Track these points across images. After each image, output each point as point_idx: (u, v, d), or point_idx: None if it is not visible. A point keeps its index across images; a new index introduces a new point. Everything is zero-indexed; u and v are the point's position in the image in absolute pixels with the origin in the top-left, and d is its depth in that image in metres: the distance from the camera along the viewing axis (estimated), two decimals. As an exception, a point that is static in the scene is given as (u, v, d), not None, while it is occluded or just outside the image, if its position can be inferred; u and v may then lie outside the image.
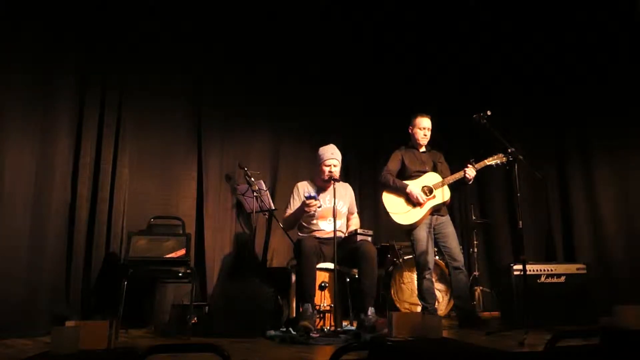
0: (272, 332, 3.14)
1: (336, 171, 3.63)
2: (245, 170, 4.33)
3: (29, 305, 3.29)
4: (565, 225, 4.79)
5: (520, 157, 3.35)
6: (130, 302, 3.36)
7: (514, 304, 3.58)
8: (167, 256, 3.49)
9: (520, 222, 3.32)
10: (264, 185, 4.42)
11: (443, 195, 3.74)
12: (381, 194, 3.83)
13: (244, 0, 4.79)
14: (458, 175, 3.70)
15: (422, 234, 3.70)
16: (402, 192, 3.73)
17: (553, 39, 4.84)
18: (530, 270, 3.57)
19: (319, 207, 3.58)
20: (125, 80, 4.13)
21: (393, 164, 3.88)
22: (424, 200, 3.67)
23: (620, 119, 4.50)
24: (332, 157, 3.64)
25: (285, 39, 5.03)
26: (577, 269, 3.79)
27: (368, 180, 5.51)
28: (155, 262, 3.47)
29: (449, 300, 4.31)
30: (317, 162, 3.72)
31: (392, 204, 3.75)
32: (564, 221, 4.81)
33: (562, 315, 3.55)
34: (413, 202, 3.70)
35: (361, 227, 3.90)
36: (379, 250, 3.94)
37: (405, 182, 3.76)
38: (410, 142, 3.98)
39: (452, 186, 3.77)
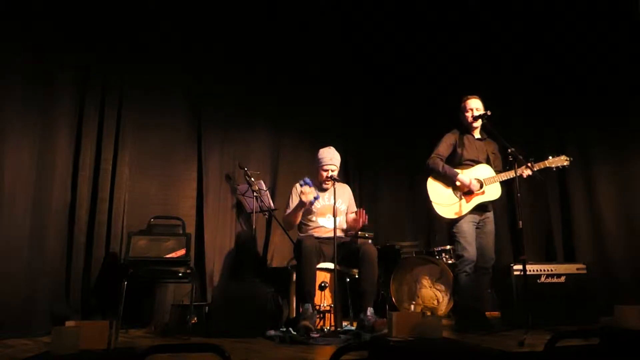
0: (272, 332, 3.13)
1: (334, 175, 3.62)
2: (245, 170, 4.33)
3: (29, 305, 3.29)
4: (565, 225, 4.79)
5: (521, 157, 3.34)
6: (130, 302, 3.36)
7: (514, 304, 3.58)
8: (167, 256, 3.49)
9: (520, 222, 3.30)
10: (264, 185, 4.42)
11: (494, 192, 3.53)
12: (426, 179, 3.61)
13: (245, 0, 4.79)
14: (512, 173, 3.40)
15: (467, 227, 3.50)
16: (450, 181, 3.52)
17: (553, 38, 4.84)
18: (530, 270, 3.56)
19: (315, 197, 3.53)
20: (125, 80, 4.13)
21: (444, 148, 3.61)
22: (477, 190, 3.47)
23: (620, 119, 4.50)
24: (330, 162, 3.64)
25: (286, 39, 5.03)
26: (577, 269, 3.79)
27: (368, 181, 5.52)
28: (155, 262, 3.47)
29: (449, 300, 4.31)
30: (316, 165, 3.72)
31: (437, 193, 3.56)
32: (564, 221, 4.81)
33: (562, 315, 3.54)
34: (461, 193, 3.52)
35: (364, 229, 3.89)
36: (379, 251, 3.92)
37: (457, 170, 3.54)
38: (463, 127, 3.70)
39: (503, 183, 3.56)
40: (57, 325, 2.23)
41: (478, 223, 3.58)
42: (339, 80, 5.38)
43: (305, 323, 3.08)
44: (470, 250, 3.47)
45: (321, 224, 3.67)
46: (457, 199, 3.53)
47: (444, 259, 4.38)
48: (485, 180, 3.53)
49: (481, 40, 5.26)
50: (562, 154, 3.52)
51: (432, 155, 3.62)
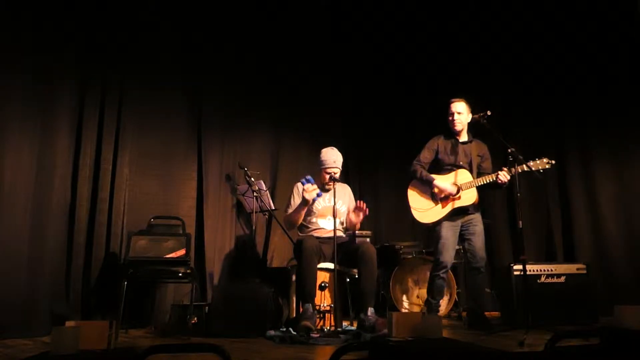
0: (272, 332, 3.14)
1: (335, 176, 3.62)
2: (245, 170, 4.33)
3: (29, 305, 3.28)
4: (565, 225, 4.80)
5: (521, 157, 3.35)
6: (130, 302, 3.36)
7: (514, 304, 3.58)
8: (167, 256, 3.49)
9: (520, 222, 3.31)
10: (264, 185, 4.42)
11: (470, 196, 3.58)
12: (407, 187, 3.74)
13: (245, 0, 4.79)
14: (489, 178, 3.53)
15: (446, 232, 3.59)
16: (428, 186, 3.63)
17: (553, 39, 4.84)
18: (530, 270, 3.56)
19: (318, 194, 3.52)
20: (125, 80, 4.13)
21: (426, 154, 3.74)
22: (453, 195, 3.55)
23: (620, 119, 4.51)
24: (334, 165, 3.63)
25: (286, 39, 5.03)
26: (577, 269, 3.79)
27: (368, 181, 5.52)
28: (155, 262, 3.47)
29: (449, 300, 4.31)
30: (319, 166, 3.70)
31: (416, 199, 3.68)
32: (564, 221, 4.81)
33: (562, 315, 3.55)
34: (437, 199, 3.61)
35: (361, 227, 3.89)
36: (379, 250, 3.93)
37: (434, 175, 3.65)
38: (448, 131, 3.78)
39: (484, 187, 3.60)
40: (57, 325, 2.23)
41: (462, 227, 3.65)
42: (339, 80, 5.38)
43: (305, 323, 3.08)
44: (445, 256, 3.58)
45: (321, 225, 3.66)
46: (434, 204, 3.64)
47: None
48: (462, 185, 3.60)
49: (482, 40, 5.26)
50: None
51: (414, 161, 3.75)
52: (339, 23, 5.32)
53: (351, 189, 4.00)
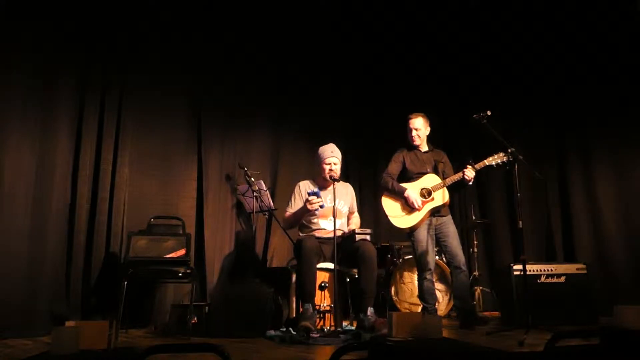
0: (272, 332, 3.13)
1: (336, 169, 3.62)
2: (245, 170, 4.33)
3: (29, 305, 3.29)
4: (565, 225, 4.80)
5: (520, 157, 3.35)
6: (130, 302, 3.36)
7: (514, 304, 3.58)
8: (167, 256, 3.49)
9: (520, 222, 3.31)
10: (264, 185, 4.42)
11: (442, 197, 3.73)
12: (381, 197, 3.85)
13: (244, 1, 4.79)
14: (457, 176, 3.69)
15: (422, 234, 3.71)
16: (400, 195, 3.75)
17: (553, 39, 4.85)
18: (530, 270, 3.56)
19: (320, 206, 3.53)
20: (125, 80, 4.13)
21: (394, 167, 3.89)
22: (419, 206, 3.69)
23: (620, 119, 4.51)
24: (332, 155, 3.64)
25: (286, 39, 5.03)
26: (577, 269, 3.79)
27: (368, 181, 5.52)
28: (155, 262, 3.46)
29: (449, 300, 4.32)
30: (318, 161, 3.71)
31: (391, 207, 3.78)
32: (564, 221, 4.81)
33: (562, 315, 3.55)
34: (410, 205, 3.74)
35: (361, 227, 3.90)
36: (379, 250, 3.93)
37: (404, 185, 3.77)
38: (409, 144, 3.96)
39: (452, 187, 3.76)
40: (57, 325, 2.23)
41: (435, 230, 3.76)
42: (339, 80, 5.38)
43: (305, 323, 3.08)
44: (427, 257, 3.69)
45: (322, 226, 3.66)
46: (410, 209, 3.73)
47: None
48: (432, 188, 3.74)
49: (481, 41, 5.26)
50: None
51: (384, 174, 3.88)
52: (339, 23, 5.31)
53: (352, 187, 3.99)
